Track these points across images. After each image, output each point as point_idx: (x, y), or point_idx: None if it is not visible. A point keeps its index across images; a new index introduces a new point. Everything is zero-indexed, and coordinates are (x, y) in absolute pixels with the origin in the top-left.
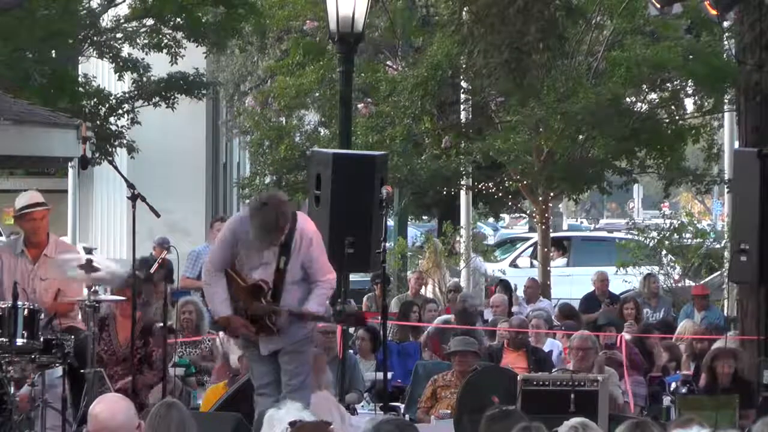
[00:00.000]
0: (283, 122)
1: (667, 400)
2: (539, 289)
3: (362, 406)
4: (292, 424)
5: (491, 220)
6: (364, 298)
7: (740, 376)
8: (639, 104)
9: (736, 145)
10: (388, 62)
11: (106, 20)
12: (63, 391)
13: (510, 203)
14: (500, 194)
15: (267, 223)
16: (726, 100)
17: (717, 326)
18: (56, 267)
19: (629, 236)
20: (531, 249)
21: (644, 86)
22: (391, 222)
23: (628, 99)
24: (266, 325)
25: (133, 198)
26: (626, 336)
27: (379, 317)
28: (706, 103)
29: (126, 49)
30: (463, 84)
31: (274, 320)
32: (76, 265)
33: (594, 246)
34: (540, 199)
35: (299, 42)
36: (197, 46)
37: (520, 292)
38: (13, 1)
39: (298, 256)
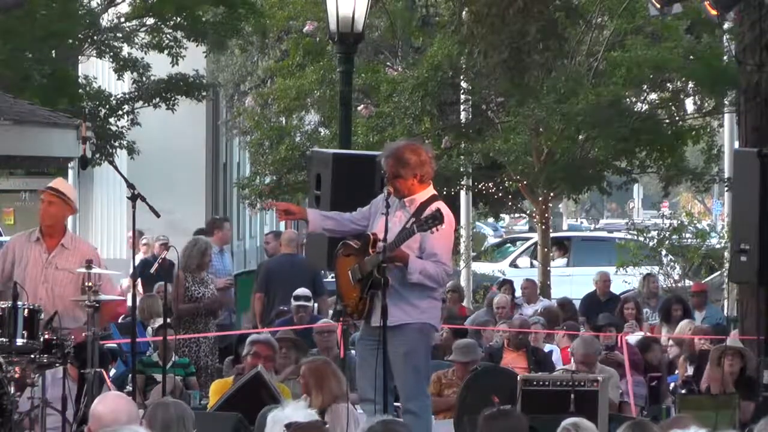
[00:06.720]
0: (283, 122)
1: (667, 400)
2: (537, 289)
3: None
4: (288, 426)
5: (491, 219)
6: None
7: (746, 375)
8: (639, 105)
9: (736, 145)
10: (388, 63)
11: (106, 20)
12: (63, 391)
13: (510, 203)
14: (500, 194)
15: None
16: (726, 102)
17: (718, 324)
18: None
19: (629, 236)
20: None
21: (645, 87)
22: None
23: (628, 99)
24: (377, 281)
25: (133, 198)
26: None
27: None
28: (706, 104)
29: (126, 49)
30: (463, 84)
31: (383, 270)
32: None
33: (594, 246)
34: (540, 199)
35: (299, 42)
36: (197, 46)
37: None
38: (13, 1)
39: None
